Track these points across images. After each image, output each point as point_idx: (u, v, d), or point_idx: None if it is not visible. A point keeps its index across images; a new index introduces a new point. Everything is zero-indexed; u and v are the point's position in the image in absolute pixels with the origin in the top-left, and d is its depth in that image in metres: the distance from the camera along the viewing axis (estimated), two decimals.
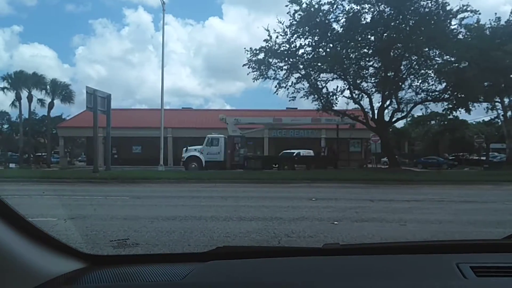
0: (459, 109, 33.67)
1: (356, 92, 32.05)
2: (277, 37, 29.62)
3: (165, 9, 34.36)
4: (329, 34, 29.47)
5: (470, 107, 33.13)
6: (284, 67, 30.65)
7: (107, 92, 30.88)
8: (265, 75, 30.59)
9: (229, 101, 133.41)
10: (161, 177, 22.57)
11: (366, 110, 32.52)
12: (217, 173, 26.50)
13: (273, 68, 30.57)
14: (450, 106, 33.65)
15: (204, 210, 11.42)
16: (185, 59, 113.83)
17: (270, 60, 30.14)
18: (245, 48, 30.36)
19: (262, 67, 30.22)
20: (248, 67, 30.35)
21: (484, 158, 49.56)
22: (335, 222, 9.28)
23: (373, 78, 31.60)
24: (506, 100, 42.21)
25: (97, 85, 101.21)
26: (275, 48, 29.70)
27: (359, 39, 29.59)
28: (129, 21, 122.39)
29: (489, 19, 29.58)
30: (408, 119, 62.65)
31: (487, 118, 54.60)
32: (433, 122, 57.83)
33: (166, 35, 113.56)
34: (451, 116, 45.98)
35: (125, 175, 23.29)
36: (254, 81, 30.79)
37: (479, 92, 30.70)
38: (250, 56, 30.16)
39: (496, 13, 33.04)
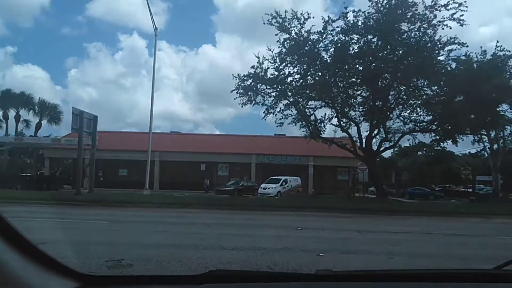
0: (446, 141, 33.65)
1: (344, 120, 32.08)
2: (262, 63, 29.80)
3: (159, 36, 34.48)
4: (317, 63, 29.58)
5: (457, 139, 33.18)
6: (272, 94, 30.68)
7: (93, 114, 30.41)
8: (254, 101, 30.57)
9: (219, 126, 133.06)
10: (144, 201, 22.00)
11: (354, 138, 32.48)
12: (203, 198, 25.95)
13: (261, 94, 30.57)
14: (438, 137, 33.65)
15: (185, 237, 10.97)
16: (177, 84, 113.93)
17: (259, 86, 30.16)
18: (233, 74, 30.28)
19: (250, 93, 30.17)
20: (236, 93, 30.33)
21: (470, 190, 49.69)
22: (321, 254, 8.88)
23: (361, 107, 31.72)
24: (492, 133, 42.66)
25: (88, 107, 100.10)
26: (263, 74, 29.75)
27: (347, 68, 29.72)
28: (123, 45, 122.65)
29: (475, 53, 30.10)
30: (395, 149, 63.33)
31: (473, 150, 54.90)
32: (420, 152, 57.96)
33: (160, 60, 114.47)
34: (438, 147, 46.28)
35: (107, 198, 22.64)
36: (242, 106, 30.79)
37: (466, 124, 30.87)
38: (239, 82, 30.16)
39: (481, 47, 33.70)
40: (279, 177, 39.68)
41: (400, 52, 28.14)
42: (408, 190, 49.05)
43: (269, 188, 38.01)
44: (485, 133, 39.68)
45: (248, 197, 35.09)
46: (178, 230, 12.73)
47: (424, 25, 27.10)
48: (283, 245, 9.95)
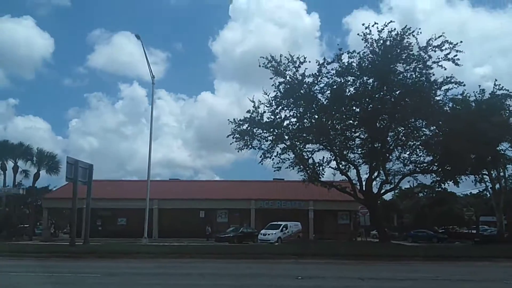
0: (447, 182, 33.24)
1: (343, 163, 31.77)
2: (258, 107, 29.79)
3: (159, 84, 35.21)
4: (314, 105, 29.58)
5: (458, 180, 32.79)
6: (269, 138, 30.49)
7: (89, 163, 30.13)
8: (250, 145, 30.31)
9: (218, 172, 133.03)
10: (140, 251, 21.26)
11: (353, 181, 32.06)
12: (201, 247, 25.16)
13: (257, 138, 30.37)
14: (438, 178, 33.30)
15: None
16: (176, 132, 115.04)
17: (255, 130, 30.01)
18: (228, 119, 30.40)
19: (246, 138, 29.97)
20: (232, 138, 30.14)
21: (474, 231, 48.73)
22: None
23: (359, 149, 31.48)
24: (494, 173, 42.30)
25: (88, 157, 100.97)
26: (259, 118, 29.67)
27: (344, 110, 29.76)
28: (123, 95, 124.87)
29: (474, 91, 30.12)
30: (396, 191, 62.74)
31: (475, 191, 54.31)
32: (421, 194, 57.33)
33: (159, 109, 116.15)
34: (439, 188, 45.75)
35: (102, 249, 21.94)
36: (238, 151, 30.56)
37: (466, 164, 30.58)
38: (234, 127, 30.07)
39: (480, 85, 33.80)
40: (279, 223, 39.05)
41: (397, 92, 28.26)
42: (411, 233, 48.18)
43: (269, 234, 37.39)
44: (486, 172, 39.40)
45: (248, 244, 34.34)
46: (172, 282, 12.13)
47: (420, 65, 27.28)
48: None
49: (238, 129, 29.89)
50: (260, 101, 29.68)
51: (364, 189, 31.63)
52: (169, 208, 46.83)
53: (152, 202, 44.81)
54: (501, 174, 42.25)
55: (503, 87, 28.00)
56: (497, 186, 42.56)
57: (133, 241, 31.96)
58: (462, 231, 52.51)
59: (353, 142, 31.29)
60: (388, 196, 61.73)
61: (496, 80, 28.69)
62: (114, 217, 48.20)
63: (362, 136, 31.42)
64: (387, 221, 60.42)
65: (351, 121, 30.44)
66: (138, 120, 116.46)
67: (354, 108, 30.22)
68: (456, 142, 25.88)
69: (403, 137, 30.83)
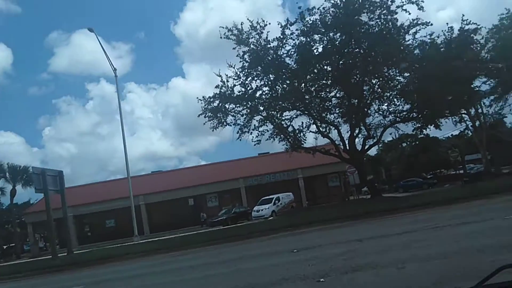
0: (429, 127, 32.90)
1: (323, 125, 30.82)
2: (227, 81, 28.52)
3: (127, 78, 33.79)
4: (284, 71, 28.39)
5: (439, 123, 32.46)
6: (243, 111, 29.31)
7: (58, 170, 28.68)
8: (224, 122, 29.10)
9: (204, 156, 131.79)
10: (129, 252, 20.29)
11: (336, 142, 31.35)
12: (191, 237, 24.29)
13: (231, 114, 29.16)
14: (419, 125, 32.91)
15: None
16: (154, 123, 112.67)
17: (227, 106, 28.77)
18: (197, 98, 29.08)
19: (219, 115, 28.74)
20: (205, 117, 28.83)
21: (462, 171, 49.09)
22: (321, 280, 7.63)
23: (337, 109, 30.56)
24: (472, 111, 42.28)
25: (68, 164, 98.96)
26: (229, 93, 28.39)
27: (315, 71, 28.65)
28: (92, 94, 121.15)
29: (442, 30, 29.07)
30: (380, 145, 62.78)
31: (457, 132, 54.54)
32: (405, 144, 57.47)
33: (132, 102, 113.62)
34: (422, 135, 45.69)
35: (87, 257, 20.87)
36: (213, 130, 29.28)
37: (444, 106, 30.12)
38: (205, 105, 28.71)
39: (447, 23, 32.91)
40: (271, 197, 38.91)
41: (365, 44, 27.20)
42: (401, 183, 48.52)
43: (262, 210, 37.23)
44: (465, 112, 39.31)
45: (243, 223, 33.94)
46: (160, 280, 11.27)
47: (384, 12, 26.15)
48: (278, 276, 8.69)
49: (209, 106, 28.55)
50: (228, 75, 28.47)
51: (348, 148, 30.85)
52: (157, 201, 46.17)
53: (138, 198, 44.11)
54: (479, 111, 42.38)
55: (470, 21, 27.27)
56: (477, 123, 42.73)
57: (124, 241, 31.13)
58: (450, 173, 53.01)
59: (330, 103, 30.35)
60: (373, 152, 61.80)
61: (463, 15, 27.94)
62: (101, 220, 47.16)
63: (338, 95, 30.53)
64: (376, 175, 60.78)
65: (324, 81, 29.41)
66: (112, 118, 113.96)
67: (325, 67, 29.17)
68: (432, 85, 25.21)
69: (379, 89, 29.98)
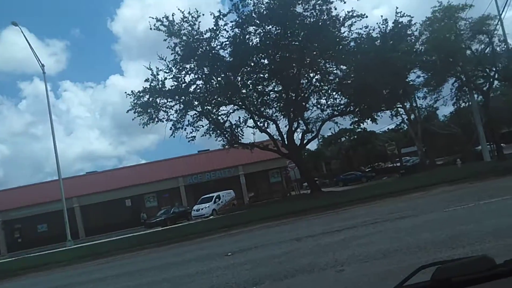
0: (366, 121, 33.21)
1: (261, 120, 29.96)
2: (157, 74, 26.97)
3: (62, 76, 31.40)
4: (218, 64, 27.11)
5: (375, 117, 32.84)
6: (175, 107, 27.84)
7: None
8: (156, 118, 27.33)
9: (145, 155, 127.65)
10: (50, 261, 18.39)
11: (275, 137, 30.70)
12: (123, 241, 22.71)
13: (163, 109, 27.47)
14: (356, 119, 33.12)
15: None
16: (91, 122, 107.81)
17: (158, 100, 27.09)
18: (126, 92, 27.26)
19: (150, 110, 26.97)
20: (134, 112, 27.06)
21: (398, 164, 50.48)
22: None
23: (275, 103, 29.66)
24: (407, 104, 43.45)
25: (0, 166, 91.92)
26: (160, 87, 26.74)
27: (252, 64, 27.69)
28: (25, 93, 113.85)
29: (377, 23, 29.25)
30: (320, 139, 63.52)
31: (393, 126, 56.13)
32: (343, 138, 58.45)
33: (68, 101, 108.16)
34: (359, 130, 46.44)
35: (5, 268, 18.74)
36: (143, 127, 27.50)
37: (380, 100, 30.38)
38: (134, 100, 26.88)
39: (382, 16, 33.17)
40: (211, 195, 38.35)
41: (301, 36, 26.59)
42: (340, 177, 49.18)
43: (202, 209, 36.51)
44: (400, 105, 40.25)
45: (183, 223, 32.94)
46: None
47: (319, 2, 25.56)
48: (208, 285, 7.77)
49: (138, 102, 26.74)
50: (158, 68, 26.91)
51: (286, 143, 30.15)
52: (92, 203, 44.16)
53: (71, 200, 42.08)
54: (414, 104, 43.64)
55: (404, 14, 27.47)
56: (412, 116, 43.98)
57: (56, 247, 29.16)
58: (388, 166, 54.50)
59: (268, 97, 29.44)
60: (313, 146, 62.50)
61: (397, 8, 28.16)
62: (33, 225, 44.44)
63: (276, 89, 29.70)
64: (316, 170, 61.43)
65: (261, 75, 28.50)
66: (47, 118, 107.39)
67: (262, 60, 28.22)
68: (368, 78, 25.10)
69: (317, 83, 29.53)
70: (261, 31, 26.92)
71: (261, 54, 27.47)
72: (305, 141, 31.22)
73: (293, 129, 29.48)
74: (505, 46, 27.94)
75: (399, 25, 27.58)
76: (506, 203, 10.95)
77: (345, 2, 26.09)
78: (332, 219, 15.23)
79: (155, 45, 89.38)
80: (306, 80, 29.37)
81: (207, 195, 38.11)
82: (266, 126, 29.82)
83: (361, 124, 34.70)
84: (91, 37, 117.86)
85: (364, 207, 17.28)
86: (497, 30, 27.49)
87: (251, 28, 26.80)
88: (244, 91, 27.79)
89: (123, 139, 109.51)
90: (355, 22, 26.71)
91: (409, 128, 44.96)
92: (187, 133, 28.37)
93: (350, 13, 25.98)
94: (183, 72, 26.64)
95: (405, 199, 17.39)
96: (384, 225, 11.14)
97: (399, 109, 42.05)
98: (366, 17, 26.53)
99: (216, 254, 11.77)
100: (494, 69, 26.87)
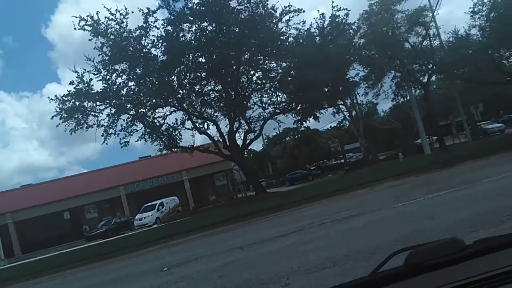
0: (308, 119, 32.94)
1: (200, 121, 28.65)
2: (83, 75, 25.03)
3: None
4: (150, 63, 25.39)
5: (317, 115, 32.59)
6: (106, 110, 25.82)
7: None
8: (85, 124, 25.24)
9: (86, 165, 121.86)
10: None
11: (216, 138, 29.50)
12: (56, 258, 20.78)
13: (92, 113, 25.40)
14: (299, 117, 32.77)
15: None
16: (29, 133, 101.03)
17: (86, 104, 25.02)
18: (49, 97, 24.73)
19: (77, 115, 24.89)
20: (60, 118, 24.93)
21: (342, 161, 50.93)
22: None
23: (214, 102, 28.33)
24: (348, 101, 43.84)
25: None
26: (87, 89, 24.76)
27: (189, 63, 26.26)
28: None
29: (314, 18, 28.70)
30: (265, 140, 63.17)
31: (335, 123, 56.69)
32: (288, 138, 58.41)
33: (2, 113, 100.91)
34: (303, 128, 46.38)
35: None
36: (71, 134, 25.26)
37: (322, 98, 30.04)
38: (59, 105, 24.73)
39: (318, 10, 32.47)
40: (154, 203, 37.06)
41: (237, 32, 25.42)
42: (286, 177, 48.95)
43: (145, 218, 35.12)
44: (342, 103, 40.46)
45: (125, 234, 31.70)
46: None
47: None
48: None
49: (64, 106, 24.58)
50: (85, 69, 24.96)
51: (228, 144, 28.98)
52: (28, 218, 41.10)
53: (4, 216, 39.23)
54: (355, 101, 44.14)
55: (341, 7, 27.12)
56: (354, 113, 44.45)
57: None
58: (332, 163, 54.88)
59: (208, 97, 28.05)
60: (259, 147, 62.05)
61: (333, 1, 27.64)
62: None
63: (216, 88, 28.45)
64: (263, 170, 60.97)
65: (198, 74, 27.10)
66: None
67: (198, 58, 26.87)
68: (308, 75, 24.52)
69: (258, 81, 28.57)
70: (196, 28, 25.63)
71: (197, 53, 26.14)
72: (247, 141, 30.29)
73: (235, 129, 28.40)
74: (439, 41, 28.48)
75: (336, 19, 27.06)
76: (454, 196, 10.53)
77: None
78: (278, 222, 14.37)
79: (94, 50, 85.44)
80: (246, 78, 28.36)
81: (150, 203, 36.92)
82: (206, 127, 28.61)
83: (304, 123, 34.49)
84: (25, 45, 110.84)
85: (311, 207, 16.60)
86: (433, 22, 27.92)
87: (185, 25, 25.47)
88: (180, 91, 26.32)
89: (63, 149, 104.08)
90: (292, 17, 26.04)
91: (351, 124, 45.49)
92: (120, 138, 26.51)
93: (287, 8, 25.30)
94: (114, 74, 24.76)
95: (351, 196, 16.93)
96: (332, 227, 10.42)
97: (341, 106, 42.43)
98: (304, 11, 25.95)
99: (151, 270, 10.57)
100: (431, 62, 27.16)
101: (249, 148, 60.45)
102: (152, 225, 32.99)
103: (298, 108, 30.60)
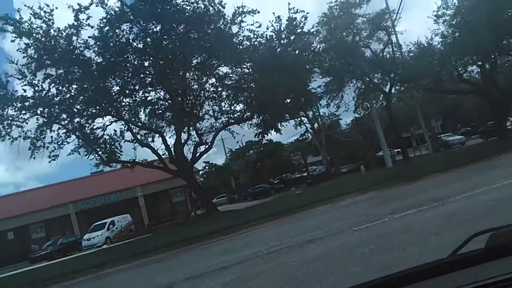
0: (270, 132, 31.49)
1: (143, 132, 26.06)
2: (8, 81, 22.13)
3: None
4: (84, 67, 22.40)
5: (279, 127, 31.22)
6: (29, 120, 22.60)
7: None
8: (7, 136, 21.88)
9: (45, 180, 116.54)
10: None
11: (162, 151, 27.06)
12: None
13: (16, 124, 22.13)
14: (261, 130, 31.23)
15: None
16: None
17: (11, 113, 21.85)
18: None
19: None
20: None
21: (305, 174, 49.92)
22: None
23: (161, 111, 25.46)
24: (310, 113, 42.89)
25: None
26: (10, 96, 21.68)
27: (130, 67, 23.74)
28: None
29: (270, 21, 26.10)
30: (227, 154, 61.46)
31: (299, 135, 55.76)
32: (251, 151, 57.15)
33: None
34: (266, 141, 45.10)
35: None
36: None
37: (282, 107, 28.47)
38: None
39: (274, 13, 30.37)
40: (104, 221, 34.61)
41: (184, 33, 22.97)
42: (249, 191, 47.94)
43: (94, 238, 33.11)
44: (304, 114, 39.42)
45: (72, 255, 29.42)
46: None
47: None
48: None
49: None
50: (8, 73, 21.98)
51: (175, 158, 26.39)
52: None
53: None
54: (317, 113, 43.28)
55: (298, 9, 25.06)
56: (316, 125, 43.56)
57: None
58: (296, 176, 53.85)
59: (155, 106, 25.14)
60: (220, 161, 60.38)
61: (289, 3, 25.83)
62: None
63: (162, 96, 25.87)
64: (225, 185, 59.37)
65: (141, 80, 24.45)
66: None
67: (142, 62, 24.28)
68: (265, 81, 22.74)
69: (211, 88, 26.38)
70: (138, 29, 23.28)
71: (141, 56, 23.75)
72: (197, 154, 28.00)
73: (183, 141, 26.15)
74: (400, 51, 27.64)
75: (294, 22, 25.17)
76: (425, 217, 9.01)
77: None
78: (223, 248, 12.35)
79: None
80: (197, 85, 26.09)
81: (100, 222, 34.61)
82: (151, 139, 26.15)
83: (266, 135, 33.02)
84: None
85: (264, 228, 14.71)
86: (396, 25, 26.87)
87: (125, 26, 23.15)
88: (122, 100, 23.86)
89: (18, 164, 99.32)
90: (244, 17, 24.08)
91: (313, 137, 44.54)
92: (49, 152, 23.42)
93: (240, 9, 23.45)
94: (46, 79, 21.88)
95: (311, 214, 15.27)
96: (283, 255, 8.63)
97: (303, 118, 41.38)
98: (258, 12, 23.91)
99: None
100: (393, 70, 26.13)
101: (210, 162, 58.90)
102: (102, 245, 30.98)
103: (257, 118, 28.84)
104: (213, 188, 57.49)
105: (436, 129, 41.12)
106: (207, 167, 59.78)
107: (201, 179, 57.67)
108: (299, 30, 24.94)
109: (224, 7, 23.06)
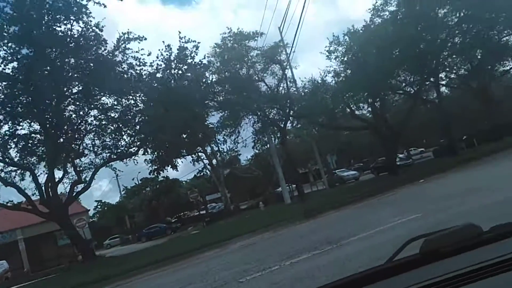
0: (165, 168, 29.82)
1: (10, 169, 22.70)
2: None
3: None
4: None
5: (175, 164, 29.64)
6: None
7: None
8: None
9: None
10: None
11: (31, 191, 23.63)
12: None
13: None
14: (156, 167, 29.41)
15: None
16: None
17: None
18: None
19: None
20: None
21: (204, 212, 48.35)
22: None
23: (31, 146, 22.24)
24: (208, 149, 41.76)
25: None
26: None
27: None
28: None
29: (159, 49, 24.44)
30: (122, 192, 57.90)
31: (197, 172, 54.19)
32: (148, 188, 54.38)
33: None
34: (162, 178, 43.17)
35: None
36: None
37: (177, 143, 27.01)
38: None
39: (164, 41, 29.38)
40: None
41: (57, 56, 20.38)
42: (143, 232, 45.08)
43: None
44: (201, 150, 38.20)
45: None
46: None
47: (75, 10, 19.64)
48: None
49: None
50: None
51: (46, 198, 23.23)
52: None
53: None
54: (215, 149, 42.28)
55: (189, 39, 23.89)
56: (214, 161, 42.47)
57: None
58: (194, 215, 51.94)
59: (27, 141, 22.03)
60: (115, 199, 57.10)
61: (180, 32, 24.89)
62: None
63: (33, 129, 22.62)
64: (119, 225, 55.66)
65: (11, 110, 21.14)
66: None
67: (11, 91, 21.01)
68: (157, 115, 21.11)
69: (94, 121, 23.94)
70: (5, 52, 20.11)
71: (10, 83, 20.65)
72: (74, 194, 25.11)
73: (57, 180, 23.36)
74: (295, 87, 27.88)
75: (184, 52, 23.75)
76: (318, 264, 8.03)
77: (105, 6, 21.09)
78: None
79: None
80: (76, 117, 23.44)
81: None
82: (20, 177, 22.82)
83: (161, 172, 31.37)
84: None
85: (139, 281, 12.96)
86: (291, 59, 26.97)
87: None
88: None
89: None
90: (128, 43, 22.32)
91: (211, 173, 43.42)
92: None
93: (125, 35, 21.65)
94: None
95: (197, 260, 13.69)
96: None
97: (200, 153, 40.11)
98: (145, 39, 22.23)
99: None
100: (288, 106, 26.08)
101: (102, 200, 54.92)
102: None
103: (152, 154, 26.98)
104: (105, 228, 53.69)
105: (331, 165, 42.25)
106: (99, 206, 55.79)
107: (93, 219, 53.59)
108: (189, 60, 23.78)
109: (101, 30, 20.97)
